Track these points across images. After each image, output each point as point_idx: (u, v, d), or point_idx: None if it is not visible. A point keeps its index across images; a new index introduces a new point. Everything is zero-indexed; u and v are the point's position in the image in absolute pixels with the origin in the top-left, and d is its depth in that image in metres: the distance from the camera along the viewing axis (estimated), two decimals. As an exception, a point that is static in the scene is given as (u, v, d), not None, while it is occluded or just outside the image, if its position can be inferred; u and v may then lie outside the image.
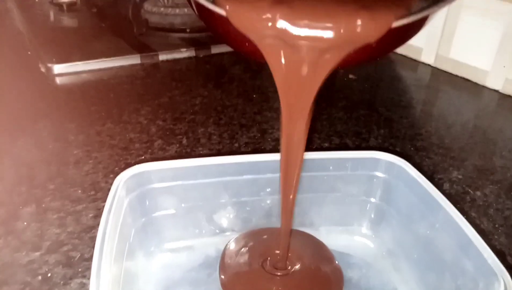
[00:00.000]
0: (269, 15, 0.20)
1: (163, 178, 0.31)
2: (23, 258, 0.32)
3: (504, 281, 0.22)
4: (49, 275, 0.31)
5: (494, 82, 0.65)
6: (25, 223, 0.35)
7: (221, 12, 0.21)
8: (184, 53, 0.71)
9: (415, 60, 0.75)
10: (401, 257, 0.32)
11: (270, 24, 0.20)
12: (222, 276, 0.30)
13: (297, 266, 0.31)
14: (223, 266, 0.31)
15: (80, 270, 0.31)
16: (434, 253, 0.29)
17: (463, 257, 0.26)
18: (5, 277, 0.30)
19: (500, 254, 0.34)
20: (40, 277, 0.30)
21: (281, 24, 0.20)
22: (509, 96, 0.63)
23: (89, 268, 0.31)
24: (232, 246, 0.32)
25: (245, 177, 0.32)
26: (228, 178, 0.32)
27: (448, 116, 0.57)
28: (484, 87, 0.66)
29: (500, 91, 0.64)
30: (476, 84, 0.67)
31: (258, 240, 0.33)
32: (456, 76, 0.69)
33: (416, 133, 0.52)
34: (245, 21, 0.21)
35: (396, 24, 0.20)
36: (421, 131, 0.53)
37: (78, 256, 0.32)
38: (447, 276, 0.27)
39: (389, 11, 0.20)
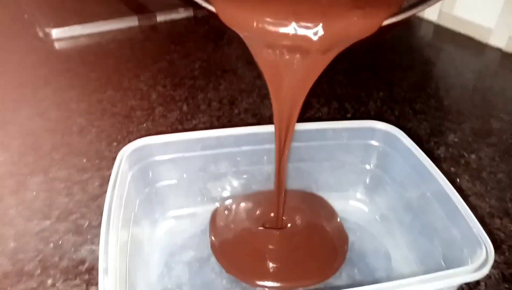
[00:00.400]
0: (257, 16, 0.20)
1: (165, 150, 0.32)
2: (35, 227, 0.33)
3: (486, 248, 0.24)
4: (60, 242, 0.32)
5: (498, 40, 0.64)
6: (34, 193, 0.36)
7: (211, 8, 0.21)
8: (182, 14, 0.70)
9: (417, 17, 0.73)
10: (394, 222, 0.34)
11: (258, 25, 0.20)
12: (213, 238, 0.32)
13: (296, 222, 0.33)
14: (213, 228, 0.32)
15: (89, 237, 0.33)
16: (425, 220, 0.30)
17: (451, 226, 0.27)
18: (20, 245, 0.32)
19: (490, 216, 0.35)
20: (52, 245, 0.32)
21: (270, 26, 0.20)
22: (511, 55, 0.63)
23: (97, 235, 0.33)
24: (223, 209, 0.34)
25: (243, 148, 0.33)
26: (228, 149, 0.33)
27: (448, 77, 0.57)
28: (487, 45, 0.65)
29: (503, 49, 0.64)
30: (479, 42, 0.66)
31: (251, 202, 0.35)
32: (459, 33, 0.68)
33: (415, 96, 0.52)
34: (234, 20, 0.21)
35: (388, 22, 0.20)
36: (421, 93, 0.53)
37: (86, 224, 0.34)
38: (435, 242, 0.28)
39: (380, 10, 0.20)
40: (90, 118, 0.46)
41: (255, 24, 0.20)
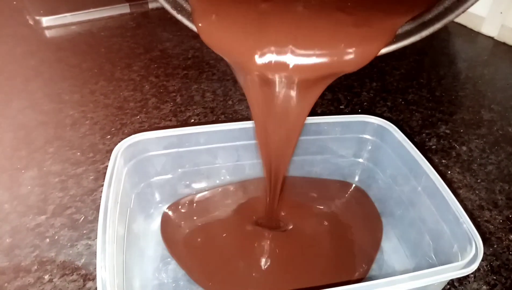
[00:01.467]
0: (243, 44, 0.20)
1: (160, 146, 0.32)
2: (30, 222, 0.34)
3: (476, 244, 0.24)
4: (56, 237, 0.33)
5: (490, 28, 0.64)
6: (28, 187, 0.36)
7: (193, 28, 0.21)
8: None
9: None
10: (385, 213, 0.34)
11: (241, 57, 0.20)
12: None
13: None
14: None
15: (85, 232, 0.33)
16: (416, 214, 0.31)
17: (441, 220, 0.27)
18: (15, 241, 0.32)
19: (479, 208, 0.36)
20: (48, 240, 0.32)
21: (257, 55, 0.20)
22: (503, 43, 0.63)
23: (93, 230, 0.33)
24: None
25: (239, 142, 0.33)
26: (222, 144, 0.33)
27: (441, 66, 0.57)
28: (479, 33, 0.66)
29: (495, 38, 0.64)
30: (471, 30, 0.66)
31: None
32: (452, 22, 0.68)
33: (407, 86, 0.53)
34: (217, 44, 0.21)
35: (383, 52, 0.20)
36: (413, 83, 0.53)
37: (82, 219, 0.34)
38: (426, 237, 0.29)
39: (374, 42, 0.20)
40: (83, 110, 0.46)
41: (235, 54, 0.20)
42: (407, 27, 0.22)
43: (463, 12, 0.21)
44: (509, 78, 0.56)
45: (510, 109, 0.49)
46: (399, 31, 0.22)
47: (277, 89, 0.22)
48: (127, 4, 0.67)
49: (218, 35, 0.21)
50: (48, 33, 0.61)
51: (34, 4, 0.65)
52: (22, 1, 0.67)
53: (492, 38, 0.64)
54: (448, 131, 0.45)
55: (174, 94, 0.49)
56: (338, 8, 0.21)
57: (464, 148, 0.43)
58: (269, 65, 0.20)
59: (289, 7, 0.21)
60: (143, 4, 0.68)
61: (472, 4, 0.21)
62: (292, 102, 0.23)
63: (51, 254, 0.31)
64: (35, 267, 0.30)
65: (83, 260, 0.31)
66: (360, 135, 0.35)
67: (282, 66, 0.20)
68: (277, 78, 0.21)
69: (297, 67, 0.20)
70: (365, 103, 0.49)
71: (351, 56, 0.20)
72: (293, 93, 0.22)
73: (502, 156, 0.42)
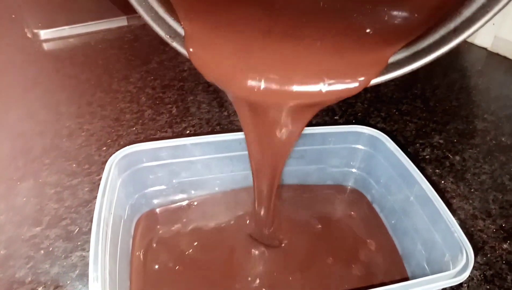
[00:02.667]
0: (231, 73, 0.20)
1: (154, 157, 0.32)
2: (25, 233, 0.34)
3: (467, 253, 0.25)
4: (50, 249, 0.33)
5: (483, 39, 0.65)
6: (24, 199, 0.37)
7: (184, 52, 0.22)
8: (171, 13, 0.70)
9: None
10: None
11: (234, 83, 0.21)
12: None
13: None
14: None
15: (79, 243, 0.33)
16: (409, 223, 0.31)
17: (433, 230, 0.28)
18: (10, 252, 0.32)
19: (473, 218, 0.36)
20: (42, 251, 0.32)
21: (248, 84, 0.20)
22: (497, 54, 0.64)
23: (87, 241, 0.33)
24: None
25: (233, 153, 0.34)
26: (217, 155, 0.34)
27: (435, 77, 0.58)
28: (472, 44, 0.66)
29: (489, 48, 0.65)
30: (465, 41, 0.67)
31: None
32: (446, 33, 0.69)
33: (401, 96, 0.53)
34: (206, 71, 0.21)
35: (372, 83, 0.20)
36: (407, 94, 0.54)
37: (76, 230, 0.34)
38: (419, 246, 0.29)
39: (364, 74, 0.20)
40: (79, 121, 0.46)
41: (223, 82, 0.21)
42: (399, 56, 0.21)
43: (458, 44, 0.20)
44: (502, 88, 0.56)
45: (503, 119, 0.49)
46: (391, 60, 0.21)
47: (263, 116, 0.22)
48: (125, 17, 0.68)
49: (208, 63, 0.21)
50: (46, 46, 0.62)
51: (33, 17, 0.65)
52: (21, 14, 0.68)
53: (485, 49, 0.65)
54: (441, 141, 0.45)
55: (170, 105, 0.49)
56: (328, 36, 0.21)
57: (458, 157, 0.43)
58: (255, 95, 0.21)
59: (282, 35, 0.21)
60: (140, 17, 0.69)
61: (467, 37, 0.20)
62: (279, 127, 0.24)
63: (46, 265, 0.31)
64: (29, 278, 0.30)
65: (77, 271, 0.31)
66: (354, 145, 0.35)
67: (267, 96, 0.21)
68: (263, 106, 0.21)
69: (283, 97, 0.21)
70: (359, 114, 0.49)
71: (336, 89, 0.20)
72: (280, 119, 0.22)
73: (496, 166, 0.42)
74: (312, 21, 0.21)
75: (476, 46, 0.66)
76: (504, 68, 0.61)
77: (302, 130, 0.24)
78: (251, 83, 0.20)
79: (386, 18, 0.21)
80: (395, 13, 0.21)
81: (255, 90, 0.20)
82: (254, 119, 0.23)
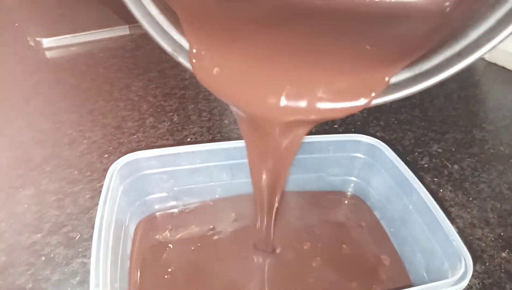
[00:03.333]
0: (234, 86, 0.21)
1: (155, 164, 0.33)
2: (26, 240, 0.34)
3: (465, 262, 0.25)
4: (51, 255, 0.33)
5: (481, 50, 0.66)
6: (25, 206, 0.37)
7: (188, 66, 0.22)
8: (173, 23, 0.71)
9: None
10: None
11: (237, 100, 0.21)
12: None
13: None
14: None
15: (80, 250, 0.33)
16: (408, 231, 0.31)
17: (432, 238, 0.28)
18: (10, 259, 0.32)
19: (471, 226, 0.37)
20: (43, 258, 0.33)
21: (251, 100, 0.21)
22: (495, 64, 0.64)
23: (88, 248, 0.33)
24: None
25: (234, 161, 0.34)
26: (217, 163, 0.34)
27: (433, 87, 0.58)
28: (471, 55, 0.67)
29: (487, 59, 0.65)
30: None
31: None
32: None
33: (400, 106, 0.53)
34: (210, 84, 0.22)
35: (373, 104, 0.21)
36: (406, 103, 0.54)
37: (78, 237, 0.34)
38: (418, 254, 0.29)
39: (367, 94, 0.20)
40: (81, 129, 0.47)
41: (230, 99, 0.21)
42: (401, 77, 0.21)
43: (462, 68, 0.19)
44: (500, 98, 0.57)
45: (501, 129, 0.50)
46: (393, 80, 0.21)
47: (263, 130, 0.23)
48: (127, 26, 0.69)
49: (213, 79, 0.22)
50: (48, 54, 0.62)
51: (36, 25, 0.66)
52: (24, 22, 0.69)
53: (483, 59, 0.65)
54: (440, 150, 0.46)
55: (171, 113, 0.50)
56: (330, 56, 0.21)
57: (456, 166, 0.43)
58: (259, 110, 0.21)
59: (283, 53, 0.22)
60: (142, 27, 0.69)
61: (472, 62, 0.18)
62: (279, 141, 0.24)
63: (46, 272, 0.31)
64: (30, 285, 0.30)
65: (78, 278, 0.31)
66: (353, 154, 0.36)
67: (267, 112, 0.21)
68: (264, 122, 0.22)
69: (291, 114, 0.21)
70: (358, 122, 0.50)
71: (334, 109, 0.21)
72: (278, 134, 0.23)
73: (494, 175, 0.42)
74: (315, 40, 0.22)
75: (474, 56, 0.66)
76: (501, 78, 0.61)
77: (302, 140, 0.25)
78: (259, 101, 0.21)
79: (386, 38, 0.21)
80: (395, 32, 0.21)
81: (262, 108, 0.21)
82: (255, 133, 0.24)
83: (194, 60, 0.22)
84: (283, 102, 0.21)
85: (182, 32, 0.23)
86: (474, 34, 0.18)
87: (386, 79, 0.20)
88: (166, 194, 0.35)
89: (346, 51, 0.21)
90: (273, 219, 0.31)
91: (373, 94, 0.20)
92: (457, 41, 0.19)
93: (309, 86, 0.21)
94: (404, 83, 0.20)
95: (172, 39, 0.23)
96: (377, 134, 0.48)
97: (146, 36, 0.76)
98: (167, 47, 0.23)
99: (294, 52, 0.21)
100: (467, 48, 0.18)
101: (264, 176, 0.27)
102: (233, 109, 0.23)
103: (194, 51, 0.22)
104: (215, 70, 0.22)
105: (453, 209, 0.38)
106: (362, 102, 0.20)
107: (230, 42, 0.22)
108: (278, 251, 0.33)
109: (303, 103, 0.21)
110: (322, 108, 0.21)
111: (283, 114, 0.21)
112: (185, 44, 0.23)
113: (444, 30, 0.19)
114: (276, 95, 0.21)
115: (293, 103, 0.21)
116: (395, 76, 0.20)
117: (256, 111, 0.22)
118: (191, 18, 0.22)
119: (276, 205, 0.29)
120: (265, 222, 0.31)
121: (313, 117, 0.21)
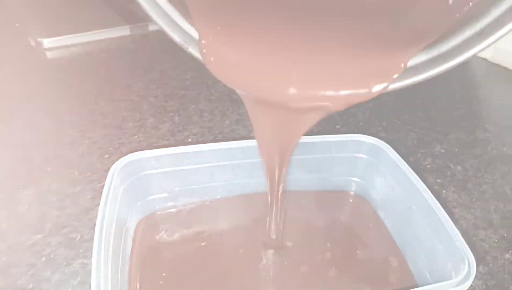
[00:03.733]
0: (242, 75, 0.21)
1: (156, 165, 0.33)
2: (27, 240, 0.34)
3: (469, 262, 0.25)
4: (52, 256, 0.33)
5: (483, 50, 0.65)
6: (26, 206, 0.37)
7: (198, 56, 0.22)
8: (174, 23, 0.71)
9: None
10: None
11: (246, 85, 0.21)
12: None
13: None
14: None
15: (81, 251, 0.33)
16: (411, 232, 0.31)
17: (435, 239, 0.28)
18: (11, 259, 0.32)
19: (474, 227, 0.36)
20: (44, 259, 0.32)
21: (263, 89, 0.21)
22: (497, 65, 0.64)
23: (89, 249, 0.33)
24: None
25: (235, 161, 0.34)
26: (219, 163, 0.34)
27: (436, 87, 0.58)
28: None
29: (489, 60, 0.65)
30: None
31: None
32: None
33: (402, 106, 0.53)
34: (221, 73, 0.22)
35: (390, 88, 0.20)
36: (408, 103, 0.54)
37: (78, 237, 0.34)
38: (421, 255, 0.29)
39: (384, 78, 0.20)
40: (81, 129, 0.46)
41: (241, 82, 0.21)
42: (419, 60, 0.20)
43: (482, 49, 0.18)
44: (503, 99, 0.56)
45: (504, 129, 0.49)
46: (410, 63, 0.20)
47: (276, 114, 0.23)
48: (128, 26, 0.68)
49: (224, 68, 0.22)
50: (49, 54, 0.62)
51: (36, 25, 0.66)
52: (25, 22, 0.69)
53: (485, 60, 0.65)
54: (443, 151, 0.45)
55: (172, 114, 0.50)
56: (347, 40, 0.21)
57: (459, 167, 0.43)
58: (277, 98, 0.21)
59: (296, 39, 0.21)
60: (143, 27, 0.69)
61: (493, 42, 0.17)
62: (291, 123, 0.24)
63: (47, 272, 0.31)
64: (31, 286, 0.30)
65: (79, 278, 0.31)
66: (355, 154, 0.35)
67: (283, 99, 0.21)
68: (278, 106, 0.22)
69: (302, 100, 0.21)
70: (360, 123, 0.49)
71: (353, 94, 0.20)
72: (291, 119, 0.23)
73: (497, 176, 0.42)
74: (329, 24, 0.21)
75: (477, 57, 0.66)
76: (504, 79, 0.61)
77: (310, 125, 0.24)
78: (273, 86, 0.21)
79: (403, 18, 0.20)
80: (412, 11, 0.20)
81: (281, 95, 0.21)
82: (265, 114, 0.24)
83: (204, 50, 0.22)
84: (302, 89, 0.20)
85: (191, 21, 0.22)
86: (496, 12, 0.17)
87: (404, 61, 0.20)
88: (167, 195, 0.34)
89: (364, 34, 0.20)
90: (283, 211, 0.31)
91: (394, 76, 0.20)
92: (477, 20, 0.18)
93: (328, 71, 0.20)
94: (422, 66, 0.20)
95: (181, 30, 0.23)
96: (380, 134, 0.48)
97: (146, 36, 0.76)
98: (177, 38, 0.23)
99: (309, 37, 0.21)
100: (488, 27, 0.17)
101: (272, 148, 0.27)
102: (240, 92, 0.23)
103: (203, 42, 0.22)
104: (226, 59, 0.21)
105: (456, 210, 0.38)
106: (380, 86, 0.20)
107: (242, 30, 0.21)
108: (285, 248, 0.33)
109: (322, 90, 0.20)
110: (343, 94, 0.20)
111: (304, 101, 0.21)
112: (195, 34, 0.23)
113: (464, 7, 0.18)
114: (294, 82, 0.20)
115: (312, 90, 0.21)
116: (412, 59, 0.20)
117: (274, 99, 0.21)
118: (201, 6, 0.22)
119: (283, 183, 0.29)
120: (274, 214, 0.31)
121: (334, 103, 0.21)
